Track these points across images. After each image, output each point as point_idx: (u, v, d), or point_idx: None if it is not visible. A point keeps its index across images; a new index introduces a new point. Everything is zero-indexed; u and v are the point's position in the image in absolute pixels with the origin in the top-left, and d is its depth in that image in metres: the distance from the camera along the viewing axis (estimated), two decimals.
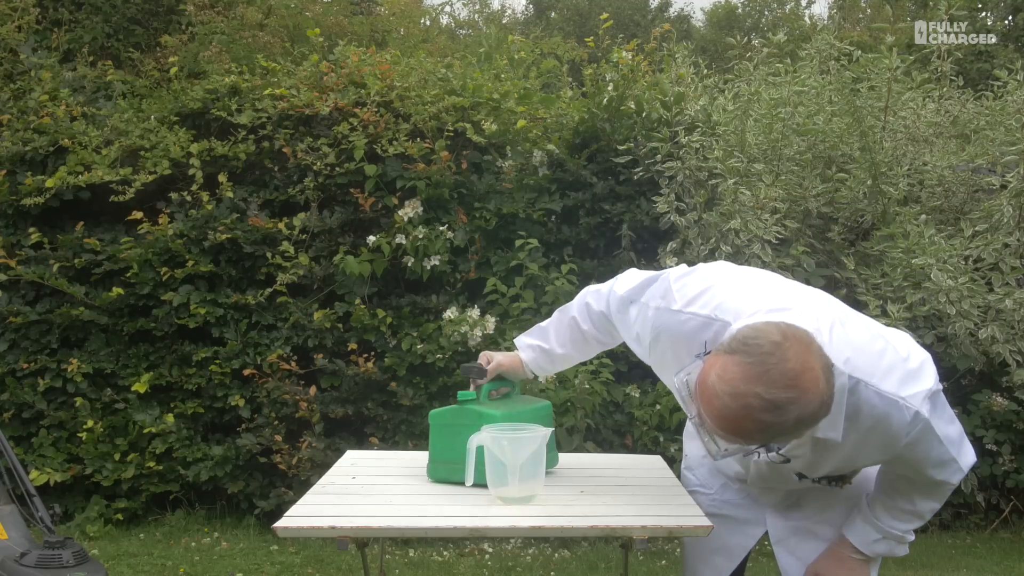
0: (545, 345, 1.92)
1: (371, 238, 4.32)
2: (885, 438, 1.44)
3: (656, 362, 1.67)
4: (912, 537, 1.61)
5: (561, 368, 2.02)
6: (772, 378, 1.27)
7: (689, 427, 1.91)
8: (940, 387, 1.46)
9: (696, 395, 1.36)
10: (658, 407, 4.03)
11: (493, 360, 1.96)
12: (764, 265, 3.95)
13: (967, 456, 1.52)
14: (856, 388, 1.39)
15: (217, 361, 4.30)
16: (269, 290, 4.32)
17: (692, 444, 1.91)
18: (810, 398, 1.28)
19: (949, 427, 1.48)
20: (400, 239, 4.28)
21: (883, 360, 1.43)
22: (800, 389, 1.27)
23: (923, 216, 4.11)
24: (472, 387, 1.96)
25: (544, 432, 1.75)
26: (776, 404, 1.27)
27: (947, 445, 1.47)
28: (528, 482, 1.74)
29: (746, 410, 1.28)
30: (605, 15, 5.35)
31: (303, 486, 3.84)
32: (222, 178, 4.44)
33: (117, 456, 4.23)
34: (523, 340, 1.97)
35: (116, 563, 3.72)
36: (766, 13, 22.31)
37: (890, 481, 1.59)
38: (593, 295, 1.82)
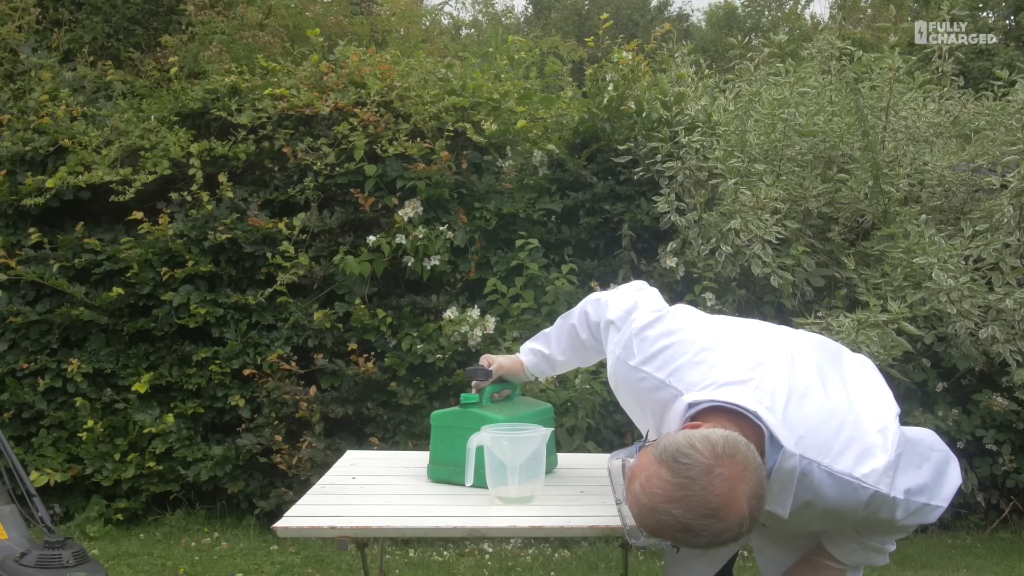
0: (546, 351, 1.95)
1: (371, 238, 4.32)
2: (842, 512, 1.43)
3: (618, 397, 1.68)
4: (892, 547, 1.59)
5: (561, 372, 2.03)
6: (692, 504, 1.27)
7: None
8: (901, 451, 1.43)
9: (626, 484, 1.37)
10: None
11: (494, 363, 1.97)
12: (764, 265, 3.96)
13: (945, 490, 1.50)
14: (809, 469, 1.39)
15: (217, 361, 4.30)
16: (269, 290, 4.32)
17: None
18: (727, 525, 1.28)
19: (917, 474, 1.46)
20: (400, 239, 4.28)
21: (839, 437, 1.41)
22: (717, 518, 1.27)
23: (923, 216, 4.11)
24: (474, 389, 1.96)
25: (544, 432, 1.75)
26: (690, 528, 1.28)
27: (915, 497, 1.45)
28: (528, 482, 1.74)
29: (660, 525, 1.30)
30: (605, 15, 5.34)
31: (303, 486, 3.84)
32: (222, 178, 4.43)
33: (117, 456, 4.23)
34: (526, 345, 2.01)
35: (116, 563, 3.72)
36: (766, 13, 22.30)
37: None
38: (593, 304, 1.83)
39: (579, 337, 1.86)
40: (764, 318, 3.47)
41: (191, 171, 4.41)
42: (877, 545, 1.56)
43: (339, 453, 2.50)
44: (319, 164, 4.39)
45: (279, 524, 1.59)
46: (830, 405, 1.45)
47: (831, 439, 1.40)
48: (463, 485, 1.83)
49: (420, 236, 4.26)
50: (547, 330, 1.97)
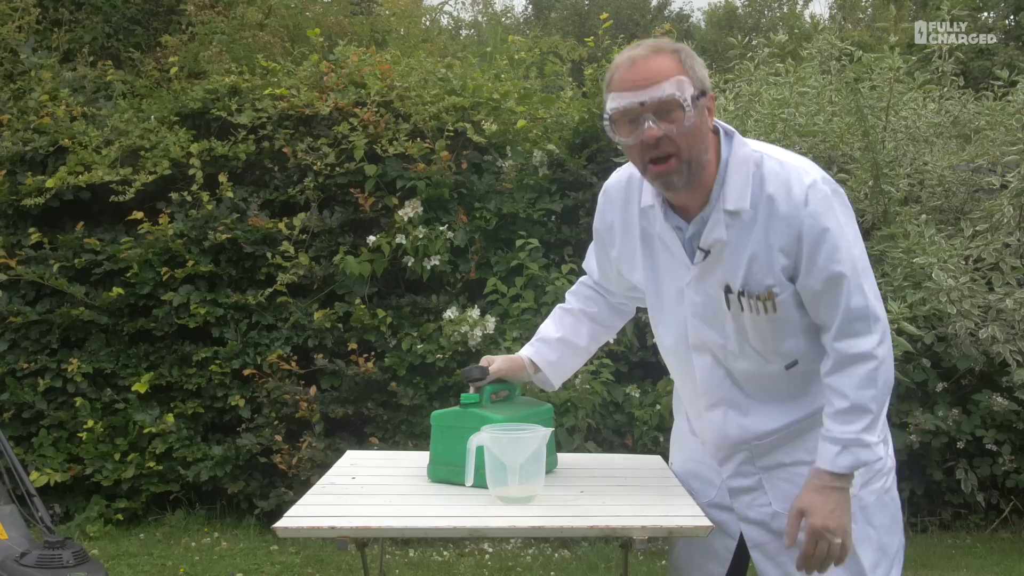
0: (541, 333, 2.00)
1: (371, 238, 4.32)
2: (788, 207, 1.53)
3: (620, 250, 1.85)
4: (874, 439, 1.55)
5: (562, 358, 2.00)
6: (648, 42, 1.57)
7: (675, 433, 1.95)
8: (844, 194, 1.58)
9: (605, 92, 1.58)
10: (658, 407, 4.02)
11: (493, 363, 1.97)
12: None
13: (867, 271, 1.56)
14: (761, 161, 1.57)
15: (217, 361, 4.30)
16: (269, 290, 4.32)
17: (676, 450, 1.94)
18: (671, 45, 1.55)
19: (855, 243, 1.55)
20: (400, 239, 4.28)
21: (791, 155, 1.61)
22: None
23: (923, 216, 4.11)
24: (472, 390, 1.96)
25: (544, 432, 1.75)
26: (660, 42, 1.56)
27: (861, 273, 1.54)
28: (528, 482, 1.74)
29: (639, 50, 1.53)
30: (605, 15, 5.34)
31: (303, 486, 3.84)
32: (222, 178, 4.43)
33: (117, 456, 4.23)
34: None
35: (116, 563, 3.72)
36: (766, 13, 22.31)
37: (824, 364, 1.60)
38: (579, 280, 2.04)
39: (568, 308, 1.98)
40: None
41: (191, 171, 4.41)
42: (853, 436, 1.54)
43: (339, 453, 2.49)
44: (319, 164, 4.39)
45: (279, 524, 1.59)
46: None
47: (783, 152, 1.61)
48: (463, 485, 1.83)
49: (420, 236, 4.26)
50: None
